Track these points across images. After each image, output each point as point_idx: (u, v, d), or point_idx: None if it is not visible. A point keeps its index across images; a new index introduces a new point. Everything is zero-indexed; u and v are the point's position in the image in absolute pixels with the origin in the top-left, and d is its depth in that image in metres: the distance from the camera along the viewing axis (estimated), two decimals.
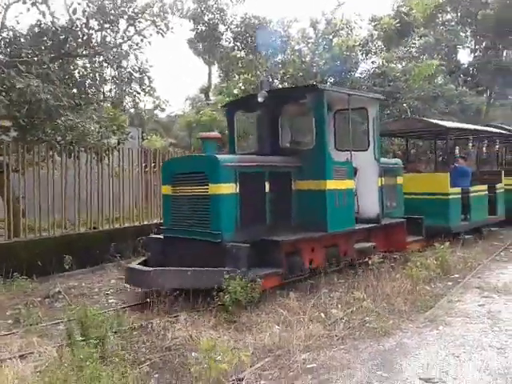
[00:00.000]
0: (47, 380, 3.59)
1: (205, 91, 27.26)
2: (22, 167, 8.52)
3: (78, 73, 9.38)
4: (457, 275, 7.68)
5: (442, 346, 4.74)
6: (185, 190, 6.84)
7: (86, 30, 8.29)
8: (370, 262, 7.06)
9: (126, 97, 10.34)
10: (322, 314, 5.48)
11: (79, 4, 8.50)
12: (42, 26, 8.24)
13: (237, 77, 17.89)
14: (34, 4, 8.20)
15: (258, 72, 17.04)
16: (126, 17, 8.85)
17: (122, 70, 9.32)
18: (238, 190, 6.45)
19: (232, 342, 4.69)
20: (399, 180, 9.27)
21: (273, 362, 4.37)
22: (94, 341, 4.09)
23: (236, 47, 16.45)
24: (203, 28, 15.81)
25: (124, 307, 6.17)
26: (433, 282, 7.16)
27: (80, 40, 8.34)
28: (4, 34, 8.31)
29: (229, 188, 6.39)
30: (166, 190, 7.16)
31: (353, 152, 7.83)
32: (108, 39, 8.93)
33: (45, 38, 8.08)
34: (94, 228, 9.53)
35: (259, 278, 5.87)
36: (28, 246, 8.26)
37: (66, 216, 9.13)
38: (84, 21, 8.37)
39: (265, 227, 6.76)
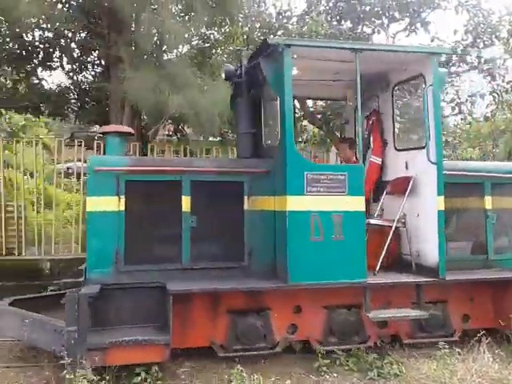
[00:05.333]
0: None
1: None
2: None
3: None
4: None
5: None
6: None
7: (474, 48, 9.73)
8: None
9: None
10: None
11: (465, 26, 9.93)
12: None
13: None
14: (413, 31, 9.99)
15: None
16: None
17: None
18: (123, 207, 4.53)
19: None
20: None
21: None
22: None
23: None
24: None
25: None
26: None
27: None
28: None
29: (106, 203, 4.51)
30: None
31: (410, 151, 5.46)
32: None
33: None
34: None
35: (103, 347, 3.98)
36: None
37: None
38: (471, 40, 9.81)
39: (178, 266, 4.67)
